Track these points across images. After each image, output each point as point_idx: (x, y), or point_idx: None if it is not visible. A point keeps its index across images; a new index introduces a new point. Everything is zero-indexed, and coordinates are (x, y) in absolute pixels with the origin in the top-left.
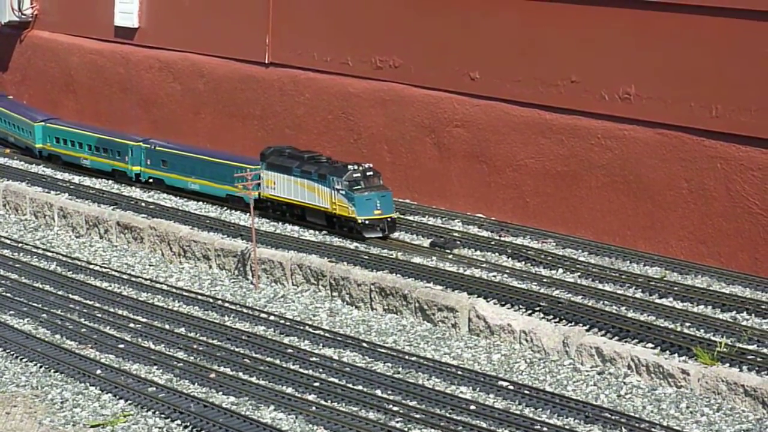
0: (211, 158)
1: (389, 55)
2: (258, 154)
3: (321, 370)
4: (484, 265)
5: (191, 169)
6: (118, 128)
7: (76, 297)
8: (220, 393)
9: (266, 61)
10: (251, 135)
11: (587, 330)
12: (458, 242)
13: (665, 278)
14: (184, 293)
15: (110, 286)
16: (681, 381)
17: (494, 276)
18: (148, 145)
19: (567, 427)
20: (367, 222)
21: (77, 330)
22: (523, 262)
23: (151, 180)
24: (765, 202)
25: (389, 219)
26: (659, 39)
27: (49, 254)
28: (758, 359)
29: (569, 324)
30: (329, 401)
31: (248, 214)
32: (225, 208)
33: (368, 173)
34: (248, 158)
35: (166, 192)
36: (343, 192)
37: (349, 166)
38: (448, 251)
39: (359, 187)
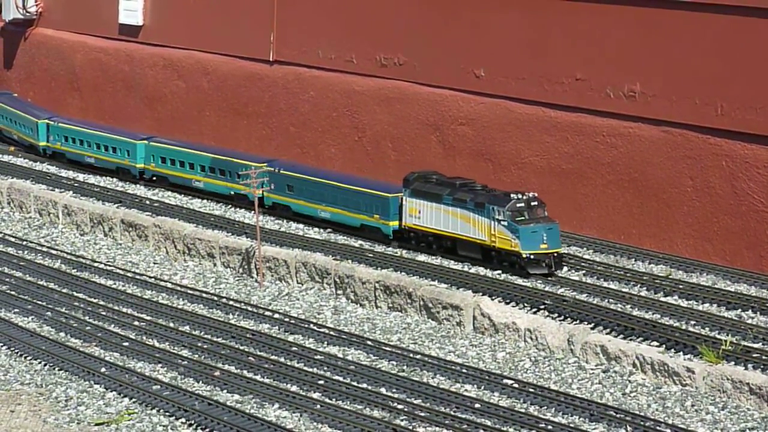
0: (345, 184)
1: (394, 52)
2: (261, 151)
3: (326, 368)
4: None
5: (321, 196)
6: (124, 126)
7: (80, 295)
8: (225, 391)
9: (271, 59)
10: (255, 133)
11: (592, 328)
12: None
13: (670, 276)
14: (189, 291)
15: (114, 284)
16: (686, 379)
17: (499, 274)
18: (272, 168)
19: (572, 425)
20: (532, 257)
21: (82, 328)
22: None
23: (273, 206)
24: None
25: (555, 254)
26: (664, 37)
27: (54, 252)
28: (763, 357)
29: (574, 322)
30: (334, 399)
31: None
32: (230, 206)
33: (533, 203)
34: (385, 185)
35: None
36: (505, 223)
37: (512, 195)
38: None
39: (523, 218)
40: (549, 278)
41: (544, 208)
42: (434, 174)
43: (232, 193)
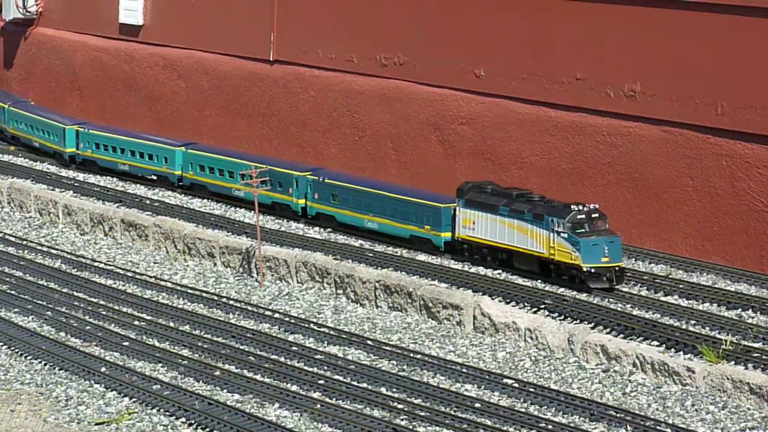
0: (393, 194)
1: (394, 52)
2: (262, 150)
3: (326, 367)
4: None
5: (368, 206)
6: (125, 126)
7: (80, 294)
8: (225, 390)
9: (271, 59)
10: (256, 132)
11: (592, 328)
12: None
13: (670, 276)
14: (189, 291)
15: (115, 283)
16: (686, 379)
17: (499, 274)
18: (317, 177)
19: (572, 424)
20: (593, 270)
21: (82, 327)
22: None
23: (317, 216)
24: None
25: (617, 268)
26: (665, 37)
27: (54, 252)
28: (764, 357)
29: (574, 322)
30: (334, 399)
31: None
32: (230, 205)
33: (593, 215)
34: (436, 195)
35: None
36: (565, 235)
37: (572, 206)
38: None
39: (584, 230)
40: (610, 292)
41: (605, 220)
42: (489, 184)
43: (274, 202)
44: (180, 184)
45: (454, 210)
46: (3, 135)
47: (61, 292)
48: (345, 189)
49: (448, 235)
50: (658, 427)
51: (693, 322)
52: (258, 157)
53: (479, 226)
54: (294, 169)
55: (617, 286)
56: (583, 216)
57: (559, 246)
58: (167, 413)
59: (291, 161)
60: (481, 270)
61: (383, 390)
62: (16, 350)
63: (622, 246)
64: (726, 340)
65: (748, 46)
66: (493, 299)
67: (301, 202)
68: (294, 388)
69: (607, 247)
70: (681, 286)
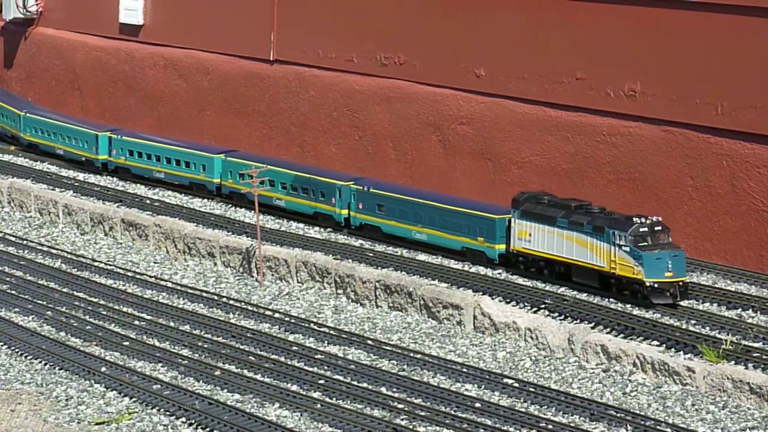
0: (444, 204)
1: (394, 52)
2: (261, 150)
3: (326, 367)
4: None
5: (416, 216)
6: (126, 125)
7: (80, 294)
8: (225, 390)
9: (271, 59)
10: (256, 132)
11: (592, 327)
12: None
13: None
14: (189, 290)
15: (115, 283)
16: (686, 378)
17: (499, 273)
18: (361, 186)
19: (572, 424)
20: (656, 285)
21: (82, 327)
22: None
23: (361, 226)
24: None
25: (681, 283)
26: (665, 36)
27: (54, 251)
28: (764, 357)
29: (574, 321)
30: (334, 399)
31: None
32: (230, 205)
33: (656, 228)
34: (490, 205)
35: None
36: (627, 249)
37: (634, 219)
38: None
39: (646, 243)
40: (674, 307)
41: (668, 233)
42: (545, 194)
43: (315, 212)
44: (219, 192)
45: (509, 221)
46: (17, 142)
47: (62, 292)
48: (392, 199)
49: (502, 247)
50: (659, 427)
51: (693, 321)
52: (299, 166)
53: (536, 238)
54: (336, 178)
55: (681, 302)
56: (646, 229)
57: (621, 260)
58: (167, 413)
59: (333, 170)
60: (481, 270)
61: (383, 390)
62: (17, 350)
63: None
64: (726, 340)
65: (748, 45)
66: (493, 299)
67: (344, 212)
68: (294, 387)
69: (670, 262)
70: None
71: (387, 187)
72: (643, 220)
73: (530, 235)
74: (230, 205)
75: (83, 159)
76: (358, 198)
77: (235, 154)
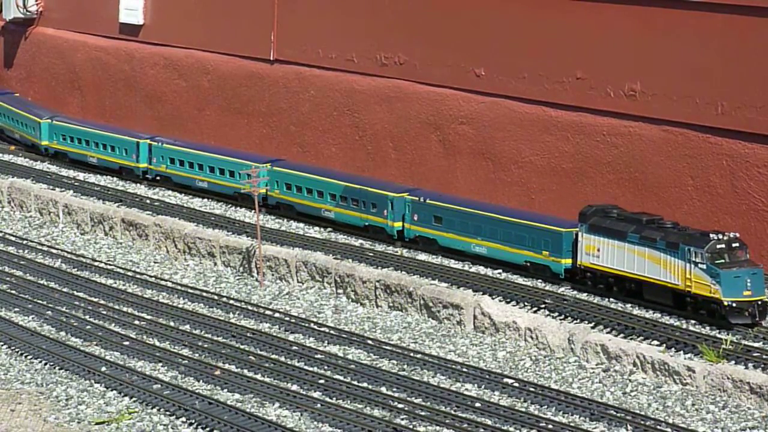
0: (507, 216)
1: (394, 51)
2: (261, 150)
3: (326, 367)
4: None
5: (475, 229)
6: (126, 125)
7: (81, 294)
8: (225, 390)
9: (271, 58)
10: (256, 132)
11: (592, 327)
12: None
13: None
14: (189, 290)
15: (115, 283)
16: (686, 378)
17: (499, 273)
18: (416, 197)
19: (572, 424)
20: (734, 305)
21: (82, 327)
22: None
23: (416, 238)
24: None
25: (759, 302)
26: (665, 36)
27: (54, 251)
28: (764, 357)
29: (574, 321)
30: (334, 398)
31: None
32: (231, 205)
33: (734, 244)
34: (554, 218)
35: (172, 190)
36: (704, 266)
37: (711, 235)
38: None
39: (724, 260)
40: (736, 327)
41: (746, 249)
42: (614, 208)
43: (366, 225)
44: (265, 203)
45: (577, 235)
46: (35, 149)
47: (62, 292)
48: (450, 211)
49: (568, 261)
50: (659, 427)
51: (693, 321)
52: (349, 176)
53: (605, 253)
54: (389, 189)
55: (761, 322)
56: (723, 245)
57: (697, 278)
58: (167, 413)
59: (384, 180)
60: (481, 269)
61: (383, 389)
62: (17, 350)
63: None
64: (726, 340)
65: (748, 45)
66: (493, 299)
67: (398, 224)
68: (294, 387)
69: (749, 280)
70: None
71: (445, 199)
72: (720, 236)
73: (599, 250)
74: (230, 205)
75: (119, 167)
76: (414, 209)
77: (281, 164)
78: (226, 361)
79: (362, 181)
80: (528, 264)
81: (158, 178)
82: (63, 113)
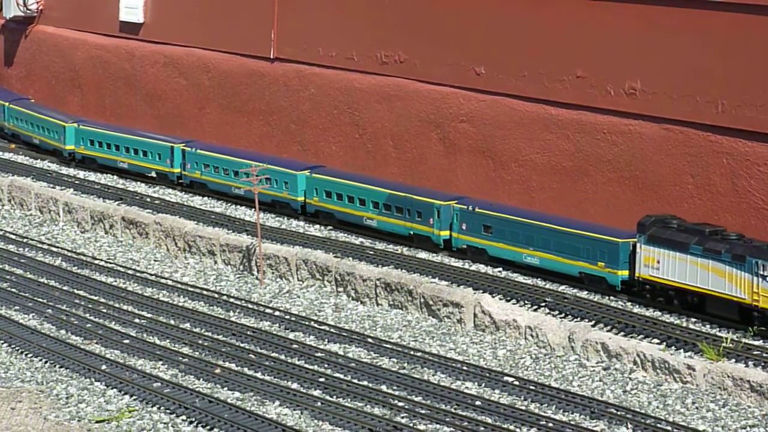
0: (561, 226)
1: (394, 50)
2: (262, 148)
3: (326, 365)
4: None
5: (527, 239)
6: (126, 123)
7: (81, 292)
8: (226, 388)
9: (271, 56)
10: (256, 130)
11: (593, 325)
12: None
13: None
14: (189, 288)
15: (115, 281)
16: (687, 377)
17: (499, 272)
18: (464, 206)
19: (573, 422)
20: None
21: (82, 325)
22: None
23: (464, 248)
24: None
25: None
26: (665, 34)
27: (54, 249)
28: (764, 355)
29: (575, 319)
30: (335, 397)
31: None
32: (230, 203)
33: None
34: (610, 228)
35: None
36: None
37: None
38: None
39: None
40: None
41: None
42: (674, 218)
43: (411, 233)
44: (304, 211)
45: (634, 246)
46: (58, 154)
47: (62, 290)
48: (501, 220)
49: (625, 273)
50: (659, 425)
51: (693, 319)
52: (393, 183)
53: (665, 265)
54: (435, 197)
55: None
56: None
57: (765, 291)
58: (168, 411)
59: (428, 189)
60: (482, 268)
61: (384, 388)
62: (17, 348)
63: None
64: (726, 338)
65: (748, 43)
66: (493, 297)
67: (444, 233)
68: (294, 386)
69: None
70: None
71: (495, 207)
72: None
73: (658, 262)
74: (230, 203)
75: (153, 171)
76: (462, 218)
77: (321, 170)
78: (227, 359)
79: (407, 188)
80: (582, 275)
81: (192, 183)
82: (86, 117)
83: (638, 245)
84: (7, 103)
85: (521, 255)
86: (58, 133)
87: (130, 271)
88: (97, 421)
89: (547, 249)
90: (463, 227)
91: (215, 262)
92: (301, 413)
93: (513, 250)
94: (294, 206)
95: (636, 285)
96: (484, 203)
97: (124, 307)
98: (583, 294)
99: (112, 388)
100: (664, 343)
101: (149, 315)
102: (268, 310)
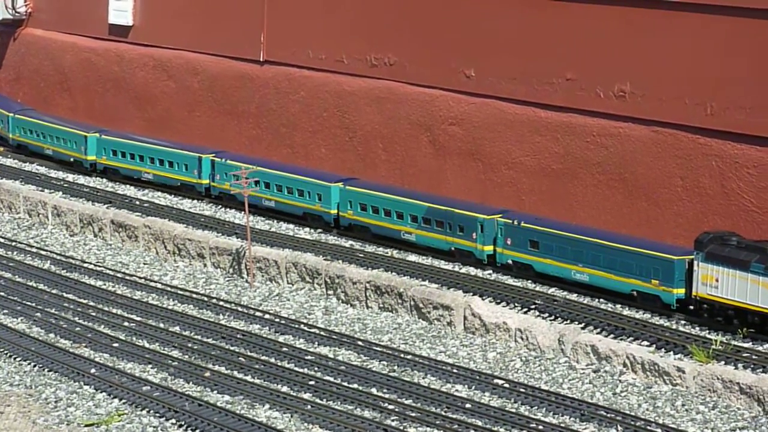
0: (612, 242)
1: (384, 52)
2: (250, 151)
3: (316, 368)
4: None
5: (576, 255)
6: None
7: (70, 296)
8: (215, 392)
9: (261, 59)
10: (246, 133)
11: (583, 328)
12: None
13: None
14: (179, 292)
15: (104, 284)
16: (676, 379)
17: (489, 274)
18: (509, 220)
19: (562, 425)
20: None
21: (71, 329)
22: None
23: (509, 263)
24: (760, 199)
25: None
26: (654, 37)
27: (43, 253)
28: (753, 357)
29: (565, 322)
30: (325, 400)
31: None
32: (221, 206)
33: None
34: (664, 245)
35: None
36: None
37: None
38: None
39: None
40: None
41: None
42: (732, 235)
43: (453, 248)
44: (337, 224)
45: (690, 263)
46: (77, 165)
47: (51, 294)
48: (548, 235)
49: (681, 291)
50: (649, 427)
51: (683, 321)
52: (428, 196)
53: (724, 284)
54: (477, 210)
55: None
56: None
57: None
58: (157, 414)
59: (471, 201)
60: (471, 270)
61: (374, 391)
62: (5, 352)
63: None
64: (716, 340)
65: (737, 46)
66: (483, 300)
67: (488, 248)
68: (284, 389)
69: None
70: None
71: (542, 222)
72: None
73: (717, 280)
74: (220, 206)
75: (180, 183)
76: (507, 233)
77: (355, 183)
78: (216, 362)
79: (446, 201)
80: (635, 293)
81: (221, 194)
82: (110, 127)
83: (695, 263)
84: (11, 114)
85: (570, 272)
86: (78, 143)
87: (119, 275)
88: (86, 425)
89: (598, 266)
90: (508, 242)
91: (205, 265)
92: (291, 416)
93: (561, 266)
94: (327, 219)
95: (694, 304)
96: (530, 217)
97: (114, 311)
98: (573, 296)
99: (101, 392)
100: (654, 346)
101: (138, 318)
102: (258, 314)
